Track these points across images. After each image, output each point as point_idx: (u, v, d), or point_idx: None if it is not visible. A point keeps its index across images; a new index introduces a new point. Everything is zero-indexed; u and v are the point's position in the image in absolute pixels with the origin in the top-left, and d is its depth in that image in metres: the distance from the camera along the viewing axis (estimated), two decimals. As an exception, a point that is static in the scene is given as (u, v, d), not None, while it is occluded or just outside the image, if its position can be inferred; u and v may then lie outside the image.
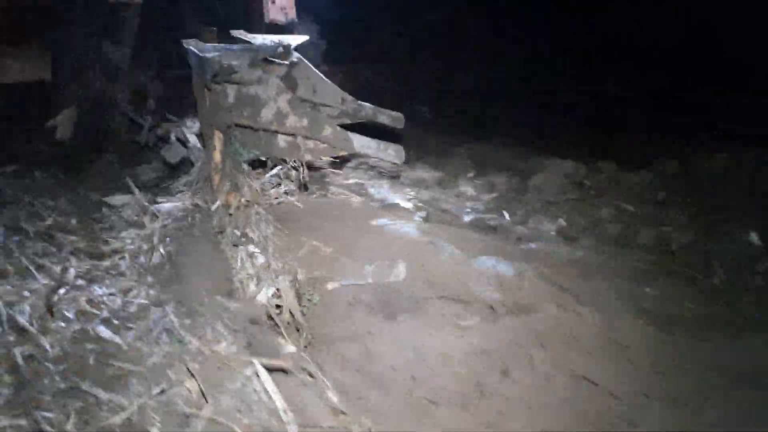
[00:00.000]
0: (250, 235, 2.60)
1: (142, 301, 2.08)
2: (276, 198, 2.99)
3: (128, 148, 3.73)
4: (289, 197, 3.02)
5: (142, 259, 2.41)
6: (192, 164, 3.14)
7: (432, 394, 2.11)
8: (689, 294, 2.55)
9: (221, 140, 2.73)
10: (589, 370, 2.00)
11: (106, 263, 2.33)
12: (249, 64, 2.65)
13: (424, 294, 2.50)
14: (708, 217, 3.43)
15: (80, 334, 1.83)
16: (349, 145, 2.93)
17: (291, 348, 2.27)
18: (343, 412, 1.93)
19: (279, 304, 2.35)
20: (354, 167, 3.82)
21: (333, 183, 3.50)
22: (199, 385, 1.71)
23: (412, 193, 3.69)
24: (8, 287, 1.96)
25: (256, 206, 2.74)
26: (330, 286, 2.57)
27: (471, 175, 4.21)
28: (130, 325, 1.92)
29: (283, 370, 1.91)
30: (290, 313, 2.38)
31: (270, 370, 1.87)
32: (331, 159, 3.31)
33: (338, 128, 2.86)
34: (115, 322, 1.92)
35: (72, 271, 2.16)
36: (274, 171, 3.07)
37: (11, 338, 1.76)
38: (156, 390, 1.66)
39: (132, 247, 2.49)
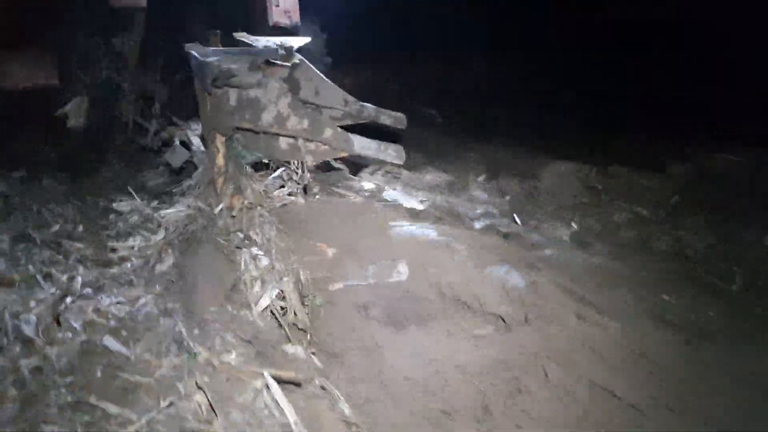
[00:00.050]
0: (254, 237, 2.58)
1: (150, 310, 2.04)
2: (280, 200, 2.97)
3: (134, 152, 3.71)
4: (294, 198, 3.00)
5: (149, 266, 2.38)
6: (196, 168, 3.12)
7: (446, 406, 2.05)
8: (710, 302, 2.48)
9: (223, 144, 2.71)
10: (610, 383, 1.93)
11: (114, 271, 2.29)
12: (249, 68, 2.63)
13: (435, 303, 2.45)
14: (723, 221, 3.36)
15: (87, 346, 1.80)
16: (349, 147, 2.90)
17: (298, 351, 2.24)
18: (356, 425, 1.89)
19: (283, 305, 2.34)
20: (371, 172, 3.81)
21: (344, 186, 3.47)
22: (208, 398, 1.67)
23: (422, 196, 3.65)
24: (14, 297, 1.92)
25: (259, 208, 2.72)
26: (333, 287, 2.54)
27: (481, 178, 4.16)
28: (138, 335, 1.88)
29: (294, 383, 1.86)
30: (295, 314, 2.37)
31: (280, 381, 1.82)
32: (340, 162, 3.30)
33: (338, 130, 2.84)
34: (123, 332, 1.88)
35: (79, 280, 2.12)
36: (277, 173, 3.04)
37: (17, 350, 1.72)
38: (164, 404, 1.62)
39: (139, 254, 2.46)
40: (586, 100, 5.68)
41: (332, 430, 1.81)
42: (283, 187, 3.03)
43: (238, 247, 2.49)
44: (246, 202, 2.71)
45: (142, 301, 2.08)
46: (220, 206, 2.64)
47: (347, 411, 1.96)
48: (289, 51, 2.75)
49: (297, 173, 3.06)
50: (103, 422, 1.55)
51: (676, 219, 3.40)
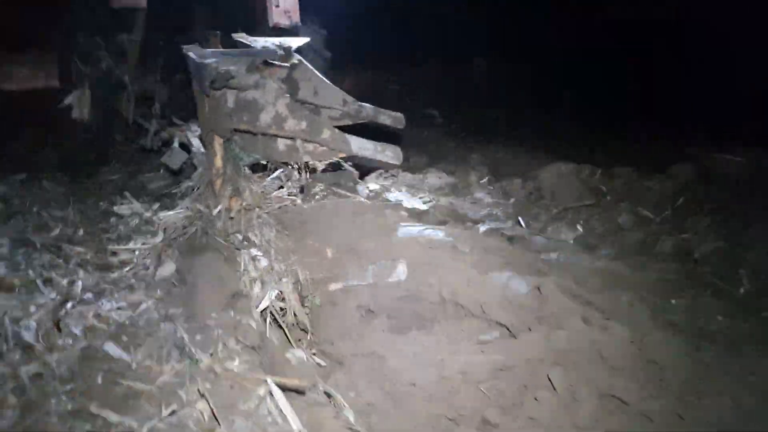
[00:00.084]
0: (252, 238, 2.57)
1: (151, 315, 2.02)
2: (279, 201, 2.95)
3: (134, 153, 3.70)
4: (294, 199, 2.98)
5: (149, 270, 2.35)
6: (196, 168, 3.10)
7: (451, 413, 2.03)
8: (718, 305, 2.45)
9: (222, 145, 2.70)
10: (618, 389, 1.90)
11: (114, 275, 2.27)
12: (247, 69, 2.62)
13: (438, 307, 2.43)
14: (728, 223, 3.33)
15: (88, 352, 1.77)
16: (346, 147, 2.90)
17: (301, 356, 2.22)
18: (360, 433, 1.86)
19: (283, 306, 2.34)
20: (377, 176, 3.81)
21: (345, 187, 3.44)
22: (210, 406, 1.64)
23: (426, 198, 3.63)
24: (14, 302, 1.90)
25: (257, 210, 2.71)
26: (333, 287, 2.52)
27: (485, 180, 4.14)
28: (139, 341, 1.85)
29: (298, 391, 1.84)
30: (294, 314, 2.37)
31: (284, 389, 1.80)
32: (349, 164, 3.29)
33: (336, 131, 2.84)
34: (124, 338, 1.86)
35: (79, 284, 2.10)
36: (275, 174, 3.03)
37: (17, 356, 1.70)
38: (166, 411, 1.59)
39: (139, 257, 2.43)
40: (586, 100, 5.66)
41: (337, 438, 1.79)
42: (281, 188, 3.02)
43: (237, 249, 2.48)
44: (244, 203, 2.70)
45: (143, 306, 2.06)
46: (219, 208, 2.62)
47: (352, 418, 1.94)
48: (287, 51, 2.73)
49: (298, 174, 3.04)
50: (104, 431, 1.52)
51: (679, 220, 3.37)
